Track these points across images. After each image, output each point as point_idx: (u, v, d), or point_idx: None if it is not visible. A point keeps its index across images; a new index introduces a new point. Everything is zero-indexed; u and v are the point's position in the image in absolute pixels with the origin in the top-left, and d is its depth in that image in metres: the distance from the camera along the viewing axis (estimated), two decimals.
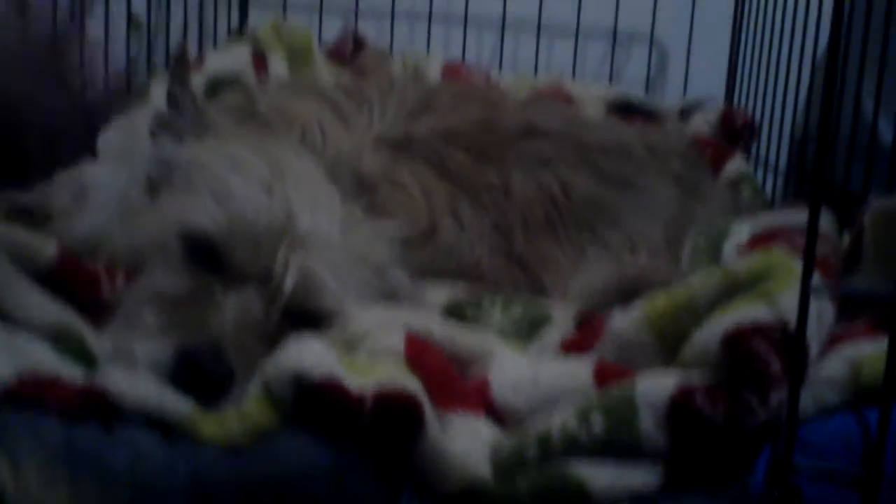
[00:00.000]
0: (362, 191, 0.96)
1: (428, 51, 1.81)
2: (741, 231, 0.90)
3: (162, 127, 0.90)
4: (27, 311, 0.76)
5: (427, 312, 0.93)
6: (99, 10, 1.50)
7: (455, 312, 1.00)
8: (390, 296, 0.90)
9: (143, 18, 1.62)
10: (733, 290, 0.73)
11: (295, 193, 0.81)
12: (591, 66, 1.91)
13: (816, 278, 0.73)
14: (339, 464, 0.69)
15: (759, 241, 0.85)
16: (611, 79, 1.86)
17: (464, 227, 1.11)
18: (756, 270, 0.73)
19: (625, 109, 1.60)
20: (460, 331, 0.84)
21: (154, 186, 0.87)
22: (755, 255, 0.76)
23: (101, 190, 0.98)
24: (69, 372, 0.73)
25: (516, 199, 1.14)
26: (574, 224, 1.17)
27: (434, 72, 1.63)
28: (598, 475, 0.69)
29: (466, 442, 0.72)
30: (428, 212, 1.06)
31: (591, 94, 1.62)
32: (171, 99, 0.91)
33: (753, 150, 1.54)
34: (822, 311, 0.73)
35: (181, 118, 0.89)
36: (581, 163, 1.19)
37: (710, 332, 0.70)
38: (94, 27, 1.51)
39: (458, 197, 1.11)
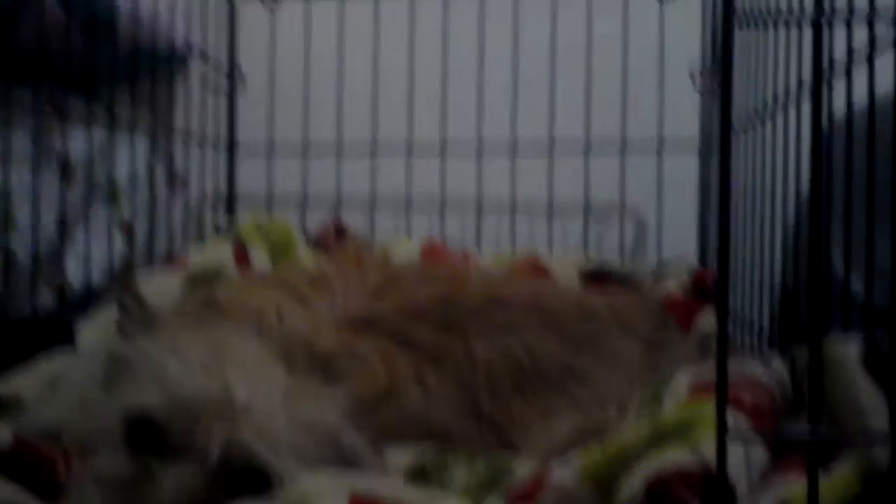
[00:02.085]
0: (317, 365, 0.99)
1: (409, 236, 1.88)
2: (681, 381, 0.92)
3: (117, 331, 0.95)
4: None
5: (379, 475, 0.94)
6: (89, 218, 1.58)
7: (418, 474, 1.02)
8: (346, 461, 0.91)
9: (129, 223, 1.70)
10: (661, 439, 0.75)
11: (233, 370, 0.84)
12: (572, 239, 1.97)
13: (742, 423, 0.76)
14: None
15: (696, 391, 0.87)
16: (587, 251, 1.91)
17: (429, 392, 1.13)
18: (683, 420, 0.75)
19: (599, 277, 1.64)
20: (408, 490, 0.85)
21: (109, 382, 0.91)
22: (682, 405, 0.78)
23: (70, 384, 1.01)
24: None
25: (481, 364, 1.16)
26: (541, 384, 1.18)
27: (413, 253, 1.69)
28: None
29: None
30: (388, 375, 1.09)
31: (566, 264, 1.66)
32: (121, 304, 0.96)
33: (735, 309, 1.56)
34: (752, 455, 0.74)
35: (131, 321, 0.94)
36: (546, 327, 1.22)
37: (633, 482, 0.71)
38: (81, 237, 1.58)
39: (421, 365, 1.13)
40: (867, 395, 0.75)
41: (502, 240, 1.95)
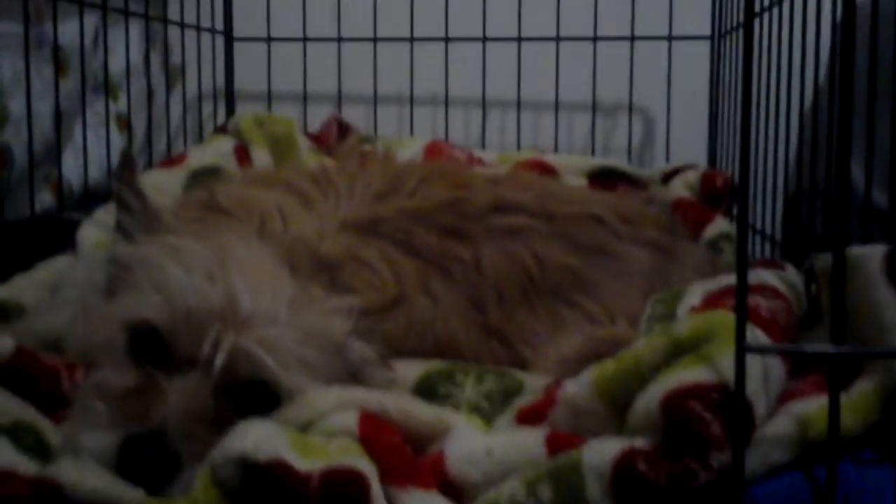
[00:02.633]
0: (323, 271, 0.97)
1: (412, 133, 1.84)
2: (695, 293, 0.90)
3: (116, 229, 0.92)
4: None
5: (390, 386, 0.93)
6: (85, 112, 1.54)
7: (426, 388, 1.00)
8: (353, 372, 0.90)
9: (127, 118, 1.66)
10: (677, 352, 0.73)
11: (238, 278, 0.82)
12: (578, 139, 1.94)
13: (761, 337, 0.74)
14: None
15: (710, 301, 0.85)
16: (593, 151, 1.88)
17: (436, 302, 1.11)
18: (698, 332, 0.73)
19: (606, 177, 1.61)
20: (417, 406, 0.84)
21: (110, 286, 0.89)
22: (698, 316, 0.75)
23: (70, 288, 0.99)
24: (25, 465, 0.74)
25: (488, 272, 1.14)
26: (550, 294, 1.17)
27: (416, 152, 1.66)
28: None
29: None
30: (396, 285, 1.07)
31: (572, 164, 1.63)
32: (120, 201, 0.92)
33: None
34: (770, 370, 0.72)
35: (131, 219, 0.91)
36: (553, 234, 1.19)
37: (650, 397, 0.70)
38: (79, 131, 1.54)
39: (429, 273, 1.11)
40: (891, 310, 0.73)
41: (507, 138, 1.92)
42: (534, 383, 1.00)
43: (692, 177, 1.55)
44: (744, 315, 0.64)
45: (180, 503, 0.71)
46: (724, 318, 0.73)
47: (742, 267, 0.64)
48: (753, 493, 0.68)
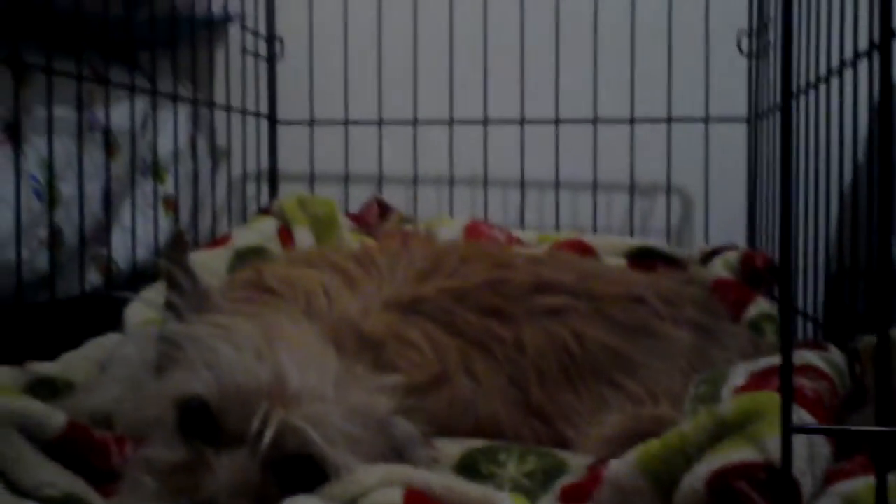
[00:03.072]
0: (367, 349, 0.99)
1: (451, 213, 1.86)
2: (739, 374, 0.91)
3: (166, 308, 0.94)
4: (36, 480, 0.79)
5: (432, 464, 0.93)
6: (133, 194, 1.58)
7: (469, 466, 1.01)
8: (397, 448, 0.91)
9: (173, 200, 1.70)
10: (722, 432, 0.73)
11: (285, 356, 0.83)
12: (615, 219, 1.95)
13: (806, 417, 0.74)
14: None
15: (754, 382, 0.86)
16: (632, 231, 1.89)
17: (478, 381, 1.12)
18: (744, 412, 0.73)
19: (645, 257, 1.62)
20: (462, 484, 0.84)
21: (160, 363, 0.90)
22: (744, 397, 0.76)
23: (120, 364, 1.01)
24: None
25: (529, 351, 1.15)
26: (591, 374, 1.17)
27: (456, 232, 1.68)
28: None
29: None
30: (438, 363, 1.08)
31: (611, 244, 1.64)
32: (171, 280, 0.95)
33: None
34: (815, 450, 0.72)
35: (181, 298, 0.93)
36: (595, 314, 1.20)
37: (696, 475, 0.70)
38: (126, 212, 1.58)
39: (470, 352, 1.12)
40: None
41: (546, 218, 1.94)
42: (576, 463, 1.01)
43: (732, 257, 1.55)
44: (789, 395, 0.65)
45: None
46: (770, 398, 0.73)
47: (787, 347, 0.65)
48: None
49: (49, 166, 1.35)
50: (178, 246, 0.95)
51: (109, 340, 1.20)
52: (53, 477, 0.81)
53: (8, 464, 0.79)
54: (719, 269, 1.55)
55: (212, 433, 0.81)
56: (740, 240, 1.78)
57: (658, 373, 1.17)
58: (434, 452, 0.97)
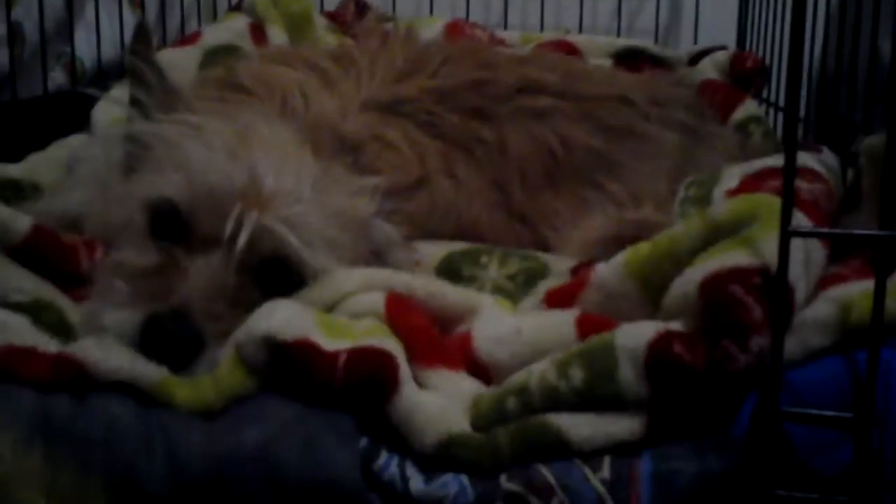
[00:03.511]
0: (345, 151, 0.94)
1: (431, 12, 1.79)
2: (732, 176, 0.87)
3: (132, 105, 0.89)
4: (2, 286, 0.76)
5: (413, 267, 0.91)
6: None
7: (450, 268, 0.99)
8: (377, 251, 0.88)
9: None
10: (715, 235, 0.70)
11: (260, 156, 0.79)
12: (602, 19, 1.88)
13: (803, 220, 0.71)
14: (312, 424, 0.68)
15: (748, 184, 0.83)
16: (619, 31, 1.82)
17: (460, 184, 1.09)
18: (738, 215, 0.70)
19: (632, 58, 1.57)
20: (444, 287, 0.82)
21: (128, 163, 0.86)
22: (738, 199, 0.73)
23: (87, 165, 0.97)
24: (45, 343, 0.73)
25: (513, 154, 1.12)
26: (574, 176, 1.14)
27: (436, 32, 1.60)
28: (579, 425, 0.67)
29: (444, 399, 0.70)
30: (419, 165, 1.04)
31: (597, 44, 1.59)
32: (136, 75, 0.89)
33: (772, 96, 1.50)
34: (810, 254, 0.70)
35: (148, 94, 0.88)
36: (580, 115, 1.16)
37: (689, 279, 0.68)
38: (91, 9, 1.50)
39: (452, 154, 1.09)
40: None
41: (529, 18, 1.86)
42: (558, 266, 0.99)
43: (722, 57, 1.51)
44: (791, 196, 0.62)
45: (204, 382, 0.70)
46: (767, 200, 0.70)
47: (791, 145, 0.61)
48: (792, 378, 0.66)
49: None
50: (142, 39, 0.89)
51: (76, 141, 1.15)
52: (20, 282, 0.78)
53: None
54: (708, 69, 1.51)
55: (184, 236, 0.78)
56: (730, 41, 1.72)
57: (643, 175, 1.15)
58: (415, 255, 0.95)
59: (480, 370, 0.75)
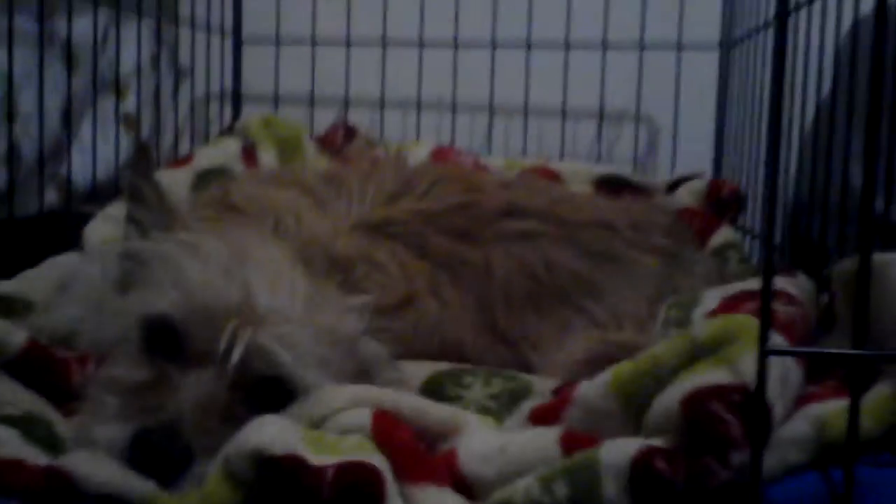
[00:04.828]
0: (336, 270, 0.97)
1: (418, 137, 1.84)
2: (712, 298, 0.90)
3: (130, 223, 0.91)
4: None
5: (399, 385, 0.93)
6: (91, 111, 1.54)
7: (434, 389, 1.00)
8: (364, 369, 0.90)
9: (134, 118, 1.66)
10: (696, 354, 0.73)
11: (254, 274, 0.81)
12: (582, 146, 1.94)
13: (780, 340, 0.74)
14: None
15: (727, 306, 0.85)
16: (599, 157, 1.88)
17: (445, 304, 1.11)
18: (718, 335, 0.73)
19: (613, 185, 1.61)
20: (430, 404, 0.84)
21: (124, 280, 0.88)
22: (718, 319, 0.75)
23: (81, 282, 0.99)
24: (34, 456, 0.74)
25: (498, 275, 1.14)
26: (557, 298, 1.17)
27: (423, 157, 1.65)
28: None
29: None
30: (406, 285, 1.07)
31: (578, 171, 1.63)
32: (134, 193, 0.92)
33: (748, 223, 1.54)
34: (788, 374, 0.72)
35: (145, 213, 0.91)
36: (564, 239, 1.19)
37: (670, 397, 0.70)
38: (86, 129, 1.54)
39: (438, 275, 1.11)
40: None
41: (512, 144, 1.92)
42: (541, 386, 1.00)
43: (698, 185, 1.55)
44: (768, 317, 0.64)
45: (191, 497, 0.71)
46: (745, 320, 0.72)
47: (769, 269, 0.64)
48: (770, 494, 0.68)
49: (9, 78, 1.31)
50: (142, 158, 0.92)
51: (69, 259, 1.17)
52: (13, 396, 0.79)
53: None
54: (685, 197, 1.55)
55: (177, 352, 0.79)
56: (706, 169, 1.78)
57: (624, 298, 1.17)
58: (401, 374, 0.96)
59: (465, 487, 0.76)
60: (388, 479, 0.71)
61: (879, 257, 0.76)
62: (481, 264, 1.14)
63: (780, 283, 0.91)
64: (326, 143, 1.74)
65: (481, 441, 0.78)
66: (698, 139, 1.84)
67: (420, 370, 1.04)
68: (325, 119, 1.86)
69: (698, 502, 0.66)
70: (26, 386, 0.81)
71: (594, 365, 1.03)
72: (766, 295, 0.64)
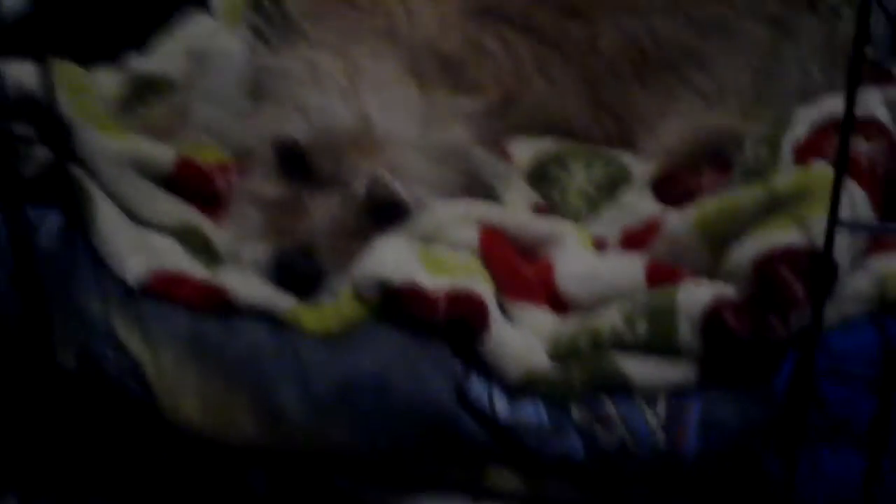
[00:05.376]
0: (447, 70, 1.03)
1: None
2: (803, 122, 0.93)
3: (255, 35, 0.98)
4: (155, 213, 0.90)
5: (508, 181, 1.01)
6: None
7: (540, 172, 1.09)
8: (475, 176, 0.98)
9: None
10: (774, 205, 0.79)
11: (371, 98, 0.89)
12: None
13: (857, 193, 0.79)
14: (416, 353, 0.82)
15: (815, 141, 0.89)
16: None
17: (552, 83, 1.17)
18: (796, 189, 0.79)
19: None
20: (531, 218, 0.93)
21: (254, 91, 0.97)
22: (798, 172, 0.81)
23: (218, 64, 1.06)
24: (194, 268, 0.87)
25: (603, 49, 1.18)
26: (662, 70, 1.20)
27: None
28: (641, 369, 0.79)
29: (527, 335, 0.83)
30: (515, 73, 1.12)
31: None
32: (256, 3, 0.98)
33: None
34: (858, 212, 0.78)
35: (268, 25, 0.97)
36: (671, 9, 1.20)
37: (744, 253, 0.77)
38: None
39: (546, 54, 1.16)
40: None
41: None
42: (640, 170, 1.09)
43: None
44: (839, 192, 0.70)
45: (327, 311, 0.83)
46: (823, 177, 0.78)
47: (844, 151, 0.69)
48: (828, 342, 0.76)
49: None
50: None
51: (197, 24, 1.24)
52: (170, 208, 0.91)
53: (129, 199, 0.88)
54: None
55: (307, 174, 0.89)
56: None
57: (729, 68, 1.20)
58: (507, 167, 1.04)
59: (560, 303, 0.87)
60: (491, 306, 0.82)
61: None
62: (587, 40, 1.18)
63: (874, 102, 0.93)
64: None
65: (577, 262, 0.88)
66: None
67: (527, 151, 1.12)
68: None
69: (760, 351, 0.76)
70: (179, 197, 0.93)
71: (695, 150, 1.10)
72: (840, 170, 0.70)
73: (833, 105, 0.94)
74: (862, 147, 0.86)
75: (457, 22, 1.10)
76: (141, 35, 1.21)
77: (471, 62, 1.08)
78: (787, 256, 0.75)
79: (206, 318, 0.83)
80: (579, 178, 1.08)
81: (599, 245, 0.95)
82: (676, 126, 1.15)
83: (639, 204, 1.02)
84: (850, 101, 0.68)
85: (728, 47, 1.21)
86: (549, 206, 1.04)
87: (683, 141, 1.12)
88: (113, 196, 0.89)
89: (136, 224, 0.89)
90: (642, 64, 1.19)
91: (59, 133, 0.89)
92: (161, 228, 0.90)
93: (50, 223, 0.87)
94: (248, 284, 0.84)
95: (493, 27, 1.12)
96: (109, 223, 0.87)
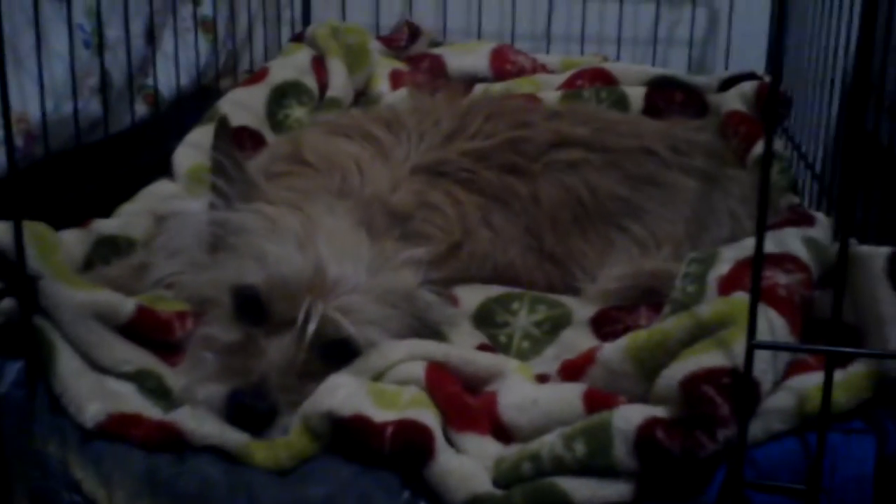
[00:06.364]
0: (396, 223, 1.10)
1: (479, 32, 1.92)
2: (727, 260, 1.00)
3: (214, 193, 1.05)
4: (114, 360, 0.95)
5: (453, 323, 1.07)
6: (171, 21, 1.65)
7: (485, 315, 1.15)
8: (422, 318, 1.03)
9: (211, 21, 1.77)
10: (699, 332, 0.85)
11: (325, 248, 0.95)
12: (641, 31, 2.00)
13: (775, 320, 0.85)
14: (367, 483, 0.85)
15: (736, 274, 0.96)
16: (655, 41, 1.95)
17: (496, 233, 1.24)
18: (719, 317, 0.84)
19: (665, 86, 1.68)
20: (476, 354, 0.98)
21: (212, 245, 1.03)
22: (720, 301, 0.87)
23: (176, 239, 1.11)
24: (149, 409, 0.91)
25: (545, 203, 1.26)
26: (601, 221, 1.28)
27: (482, 59, 1.74)
28: (581, 488, 0.82)
29: (472, 462, 0.86)
30: (460, 224, 1.19)
31: (633, 73, 1.70)
32: (218, 166, 1.05)
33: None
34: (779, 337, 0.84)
35: (228, 184, 1.04)
36: (607, 166, 1.30)
37: (672, 375, 0.82)
38: (168, 40, 1.66)
39: (490, 208, 1.23)
40: (888, 305, 0.84)
41: (572, 29, 1.98)
42: (582, 313, 1.14)
43: (748, 89, 1.60)
44: (755, 316, 0.76)
45: (278, 445, 0.87)
46: (742, 304, 0.83)
47: (756, 280, 0.75)
48: (754, 455, 0.81)
49: (97, 13, 1.42)
50: (223, 134, 1.04)
51: (161, 188, 1.32)
52: (128, 355, 0.95)
53: (90, 346, 0.93)
54: (734, 100, 1.60)
55: (262, 318, 0.94)
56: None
57: (662, 219, 1.29)
58: (453, 311, 1.10)
59: (503, 431, 0.90)
60: (437, 435, 0.86)
61: (865, 250, 0.87)
62: (529, 195, 1.26)
63: (790, 240, 1.00)
64: (392, 43, 1.83)
65: (518, 392, 0.92)
66: (755, 26, 1.89)
67: (473, 296, 1.18)
68: (390, 17, 1.94)
69: (692, 466, 0.80)
70: (137, 344, 0.97)
71: (629, 294, 1.17)
72: (755, 295, 0.76)
73: (753, 243, 1.01)
74: (781, 278, 0.92)
75: (406, 179, 1.18)
76: (110, 204, 1.28)
77: (419, 215, 1.15)
78: (711, 377, 0.79)
79: (160, 456, 0.87)
80: (523, 320, 1.14)
81: (541, 381, 0.99)
82: (616, 272, 1.22)
83: (577, 340, 1.08)
84: (760, 232, 0.76)
85: (661, 199, 1.30)
86: (494, 348, 1.09)
87: (621, 284, 1.19)
88: (74, 344, 0.95)
89: (95, 370, 0.93)
90: (582, 215, 1.28)
91: (26, 285, 0.94)
92: (119, 375, 0.94)
93: (10, 371, 0.92)
94: (202, 421, 0.87)
95: (440, 183, 1.20)
96: (69, 370, 0.92)
